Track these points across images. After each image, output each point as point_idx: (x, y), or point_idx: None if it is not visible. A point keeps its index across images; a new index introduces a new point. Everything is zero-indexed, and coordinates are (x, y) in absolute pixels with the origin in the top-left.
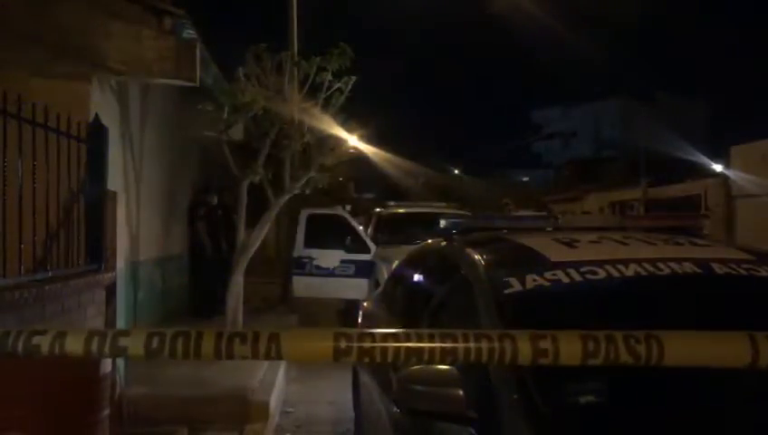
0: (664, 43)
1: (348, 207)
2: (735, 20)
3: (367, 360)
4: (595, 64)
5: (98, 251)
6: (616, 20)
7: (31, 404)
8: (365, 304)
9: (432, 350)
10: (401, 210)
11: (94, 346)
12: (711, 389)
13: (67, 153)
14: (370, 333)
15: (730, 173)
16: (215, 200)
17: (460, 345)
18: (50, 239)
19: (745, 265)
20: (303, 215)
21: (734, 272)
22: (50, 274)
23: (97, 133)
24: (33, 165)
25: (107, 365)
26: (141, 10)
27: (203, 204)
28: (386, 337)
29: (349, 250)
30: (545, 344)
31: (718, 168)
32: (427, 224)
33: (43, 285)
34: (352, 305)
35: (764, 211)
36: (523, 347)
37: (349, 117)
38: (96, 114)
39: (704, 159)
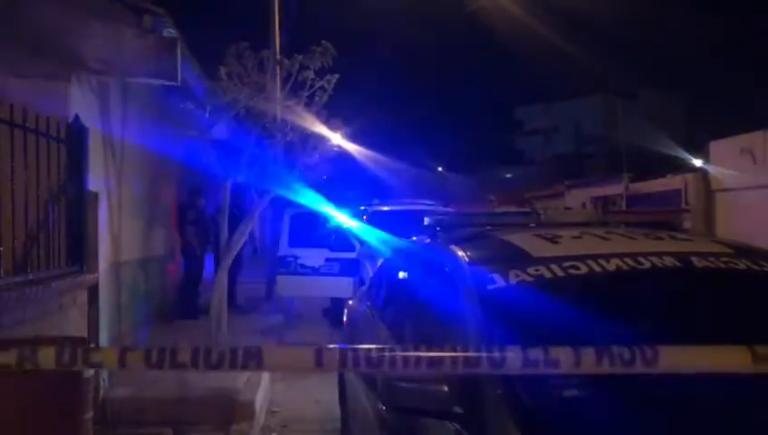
0: (644, 40)
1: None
2: (714, 17)
3: None
4: (577, 61)
5: (79, 252)
6: (597, 17)
7: (13, 408)
8: (350, 302)
9: None
10: (385, 208)
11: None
12: (697, 386)
13: (47, 154)
14: None
15: (709, 168)
16: (203, 202)
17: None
18: (30, 241)
19: (724, 259)
20: (287, 213)
21: (713, 265)
22: (30, 276)
23: (77, 134)
24: (12, 166)
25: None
26: (121, 9)
27: (192, 207)
28: None
29: (333, 248)
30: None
31: (698, 162)
32: (411, 221)
33: (23, 287)
34: (338, 304)
35: (742, 204)
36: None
37: (332, 115)
38: (76, 114)
39: (684, 154)
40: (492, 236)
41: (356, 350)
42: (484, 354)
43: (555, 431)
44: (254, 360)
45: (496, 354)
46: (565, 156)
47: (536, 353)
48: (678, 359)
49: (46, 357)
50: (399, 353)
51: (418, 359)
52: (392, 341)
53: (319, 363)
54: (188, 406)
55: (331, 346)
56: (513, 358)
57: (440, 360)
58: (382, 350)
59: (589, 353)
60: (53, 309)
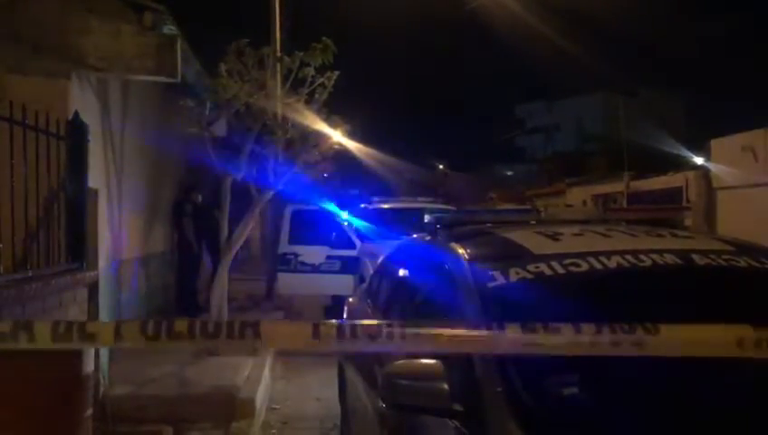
0: (646, 37)
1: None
2: (714, 15)
3: None
4: (578, 59)
5: (79, 250)
6: (599, 15)
7: (12, 405)
8: (350, 299)
9: None
10: (386, 206)
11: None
12: (695, 382)
13: (47, 151)
14: None
15: (710, 165)
16: (199, 198)
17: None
18: (30, 238)
19: (725, 256)
20: (288, 211)
21: (714, 263)
22: (30, 273)
23: (77, 130)
24: (12, 163)
25: (89, 365)
26: (121, 6)
27: (188, 202)
28: None
29: (334, 246)
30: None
31: (699, 160)
32: (412, 219)
33: (23, 284)
34: (338, 301)
35: (744, 202)
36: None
37: (332, 113)
38: (76, 111)
39: (685, 152)
40: (492, 234)
41: (354, 324)
42: (483, 329)
43: (555, 429)
44: (251, 330)
45: (495, 329)
46: (566, 153)
47: (535, 327)
48: (678, 334)
49: (42, 330)
50: (398, 329)
51: (417, 333)
52: None
53: (316, 336)
54: (188, 403)
55: (330, 320)
56: (513, 332)
57: (438, 335)
58: (380, 325)
59: (588, 327)
60: (53, 306)
